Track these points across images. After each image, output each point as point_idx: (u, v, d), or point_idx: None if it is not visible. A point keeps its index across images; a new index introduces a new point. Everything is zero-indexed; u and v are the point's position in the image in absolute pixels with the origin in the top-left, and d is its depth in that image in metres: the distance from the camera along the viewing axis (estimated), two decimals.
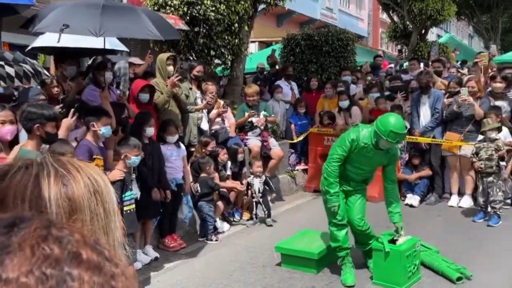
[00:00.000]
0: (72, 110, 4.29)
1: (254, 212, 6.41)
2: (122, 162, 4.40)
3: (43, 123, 3.48)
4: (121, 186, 4.26)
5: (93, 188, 0.92)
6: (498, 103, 7.17)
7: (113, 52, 6.96)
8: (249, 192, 6.42)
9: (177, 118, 6.03)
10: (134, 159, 4.43)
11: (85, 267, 0.53)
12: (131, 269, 3.80)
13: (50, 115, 3.54)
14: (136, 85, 5.86)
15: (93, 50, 6.20)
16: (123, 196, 4.29)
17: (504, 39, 25.77)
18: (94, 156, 4.33)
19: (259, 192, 6.34)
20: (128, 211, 4.32)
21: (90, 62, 6.73)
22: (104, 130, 4.46)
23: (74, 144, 4.44)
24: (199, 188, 5.84)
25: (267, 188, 6.44)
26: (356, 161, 4.48)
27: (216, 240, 5.73)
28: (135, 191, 4.59)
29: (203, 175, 5.92)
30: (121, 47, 7.37)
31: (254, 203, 6.36)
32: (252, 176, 6.43)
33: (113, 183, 4.11)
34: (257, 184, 6.35)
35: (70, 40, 5.51)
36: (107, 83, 5.43)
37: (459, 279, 4.37)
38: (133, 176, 4.68)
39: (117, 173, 4.28)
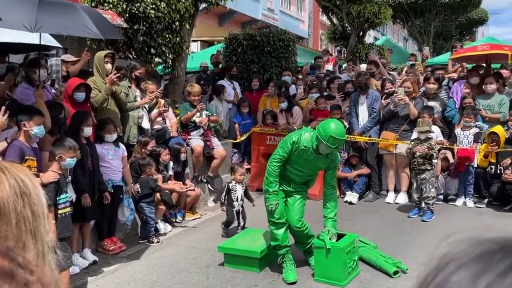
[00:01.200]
0: (3, 107, 4.07)
1: (235, 220, 5.84)
2: (56, 163, 4.20)
3: None
4: (56, 188, 4.07)
5: (20, 190, 0.86)
6: (431, 103, 7.55)
7: (46, 49, 6.64)
8: (226, 198, 5.90)
9: (116, 117, 5.86)
10: (69, 161, 4.24)
11: None
12: (64, 274, 3.66)
13: None
14: (71, 83, 5.64)
15: (25, 46, 5.90)
16: (58, 198, 4.10)
17: (436, 42, 27.16)
18: (26, 157, 4.12)
19: (240, 199, 5.92)
20: (63, 214, 4.14)
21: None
22: (36, 130, 4.26)
23: (4, 144, 4.21)
24: (139, 189, 5.70)
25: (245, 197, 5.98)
26: (296, 162, 4.56)
27: (158, 242, 5.62)
28: (70, 194, 4.41)
29: (144, 176, 5.78)
30: (55, 43, 7.05)
31: (234, 212, 5.83)
32: (234, 182, 5.95)
33: (46, 185, 3.93)
34: (240, 191, 5.90)
35: None
36: (42, 81, 5.19)
37: (395, 273, 4.54)
38: (69, 178, 4.49)
39: (51, 175, 4.08)
